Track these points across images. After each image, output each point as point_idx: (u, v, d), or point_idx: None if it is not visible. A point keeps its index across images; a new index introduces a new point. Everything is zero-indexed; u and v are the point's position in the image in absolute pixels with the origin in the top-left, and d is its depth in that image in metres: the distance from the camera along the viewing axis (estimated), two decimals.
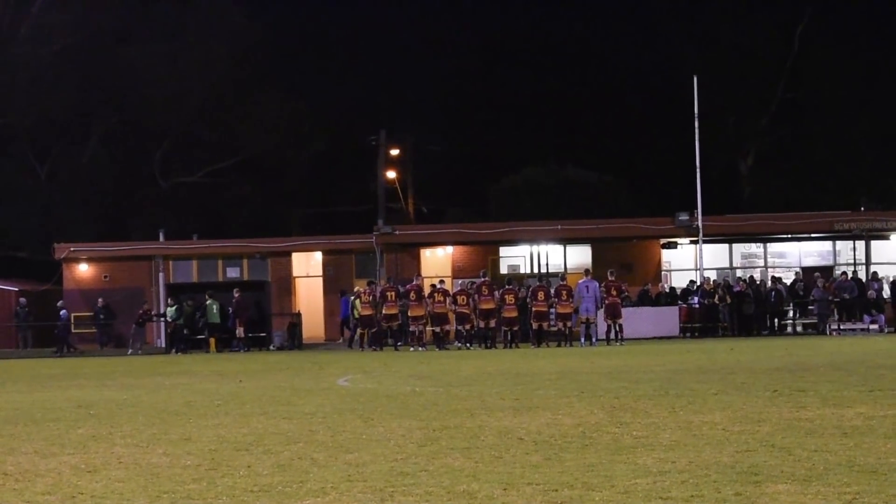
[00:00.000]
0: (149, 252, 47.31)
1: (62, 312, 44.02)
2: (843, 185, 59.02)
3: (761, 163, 64.23)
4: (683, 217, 43.89)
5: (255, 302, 41.49)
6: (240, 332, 40.33)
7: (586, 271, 38.75)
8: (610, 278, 37.11)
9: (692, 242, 44.11)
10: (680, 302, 41.71)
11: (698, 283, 41.85)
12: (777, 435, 10.52)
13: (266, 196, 62.45)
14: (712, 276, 43.54)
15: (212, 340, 40.59)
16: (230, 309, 40.44)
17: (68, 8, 57.98)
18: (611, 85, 64.42)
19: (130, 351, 40.81)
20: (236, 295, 40.40)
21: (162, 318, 41.85)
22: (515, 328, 36.89)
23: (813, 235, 45.62)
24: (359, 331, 38.13)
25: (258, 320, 41.43)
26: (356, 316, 38.21)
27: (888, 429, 10.81)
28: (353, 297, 39.18)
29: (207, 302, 40.74)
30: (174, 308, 40.63)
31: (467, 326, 36.82)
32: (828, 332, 39.24)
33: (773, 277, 43.06)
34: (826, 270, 43.91)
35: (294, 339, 42.14)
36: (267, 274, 45.72)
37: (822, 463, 8.86)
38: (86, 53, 58.38)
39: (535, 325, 36.75)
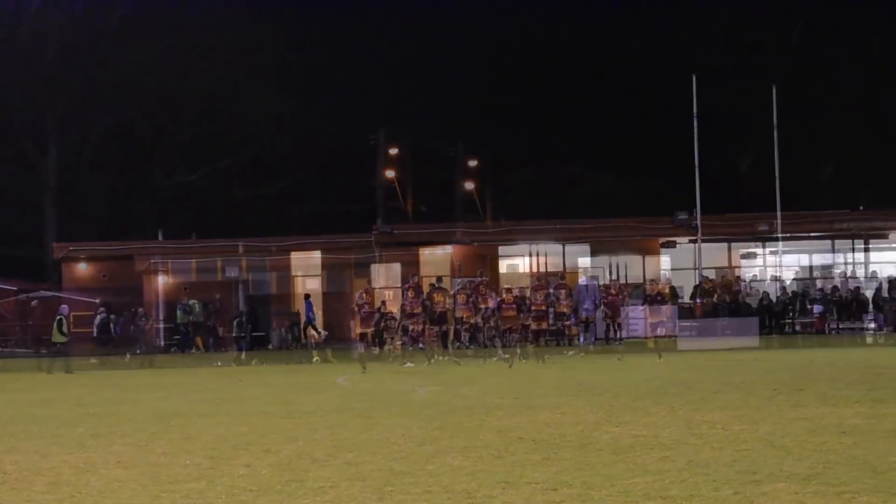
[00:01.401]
0: (148, 251, 47.21)
1: None
2: (842, 185, 59.00)
3: (760, 162, 64.23)
4: (682, 216, 43.90)
5: (216, 302, 41.60)
6: (220, 331, 40.90)
7: (585, 271, 38.75)
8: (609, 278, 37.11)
9: (691, 241, 44.12)
10: (696, 301, 41.85)
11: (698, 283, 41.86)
12: (776, 434, 10.52)
13: (265, 195, 62.45)
14: (711, 275, 43.57)
15: (198, 339, 40.88)
16: (212, 307, 40.90)
17: (68, 5, 58.00)
18: (610, 84, 64.40)
19: (132, 351, 40.78)
20: (216, 297, 40.98)
21: (188, 316, 41.79)
22: (514, 328, 36.82)
23: (812, 235, 45.62)
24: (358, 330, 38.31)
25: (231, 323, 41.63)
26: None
27: (887, 428, 10.82)
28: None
29: (191, 302, 41.01)
30: (195, 305, 40.96)
31: (466, 326, 36.79)
32: (827, 332, 39.27)
33: (773, 277, 43.08)
34: (825, 270, 43.92)
35: (293, 337, 42.18)
36: (266, 273, 45.73)
37: (822, 462, 8.86)
38: (85, 51, 58.37)
39: (533, 325, 36.72)
